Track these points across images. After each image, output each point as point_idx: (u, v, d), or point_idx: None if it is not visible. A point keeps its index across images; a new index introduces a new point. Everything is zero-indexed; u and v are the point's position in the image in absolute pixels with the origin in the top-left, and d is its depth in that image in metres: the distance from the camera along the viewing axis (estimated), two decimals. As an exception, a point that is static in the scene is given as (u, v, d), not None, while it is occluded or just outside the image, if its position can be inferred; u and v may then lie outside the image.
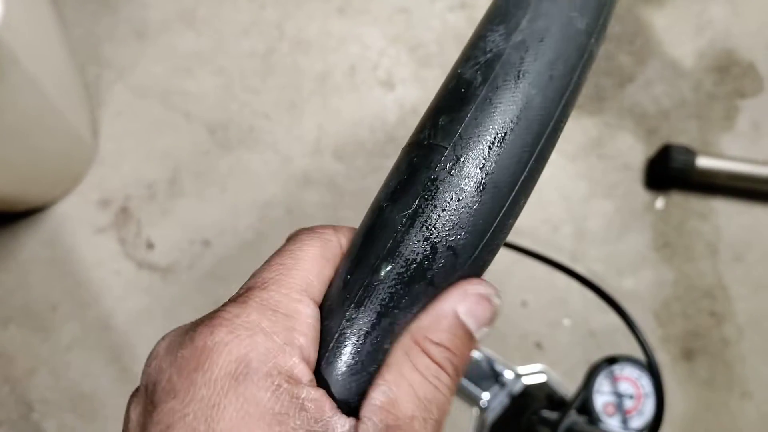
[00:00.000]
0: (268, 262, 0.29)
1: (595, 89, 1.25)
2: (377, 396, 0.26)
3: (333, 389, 0.27)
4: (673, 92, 1.26)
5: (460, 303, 0.28)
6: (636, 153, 1.23)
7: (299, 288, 0.28)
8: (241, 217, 1.17)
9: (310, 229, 0.31)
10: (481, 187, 0.28)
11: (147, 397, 0.26)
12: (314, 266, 0.29)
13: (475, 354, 1.00)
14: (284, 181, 1.18)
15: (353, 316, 0.27)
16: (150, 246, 1.15)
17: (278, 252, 0.30)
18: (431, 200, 0.27)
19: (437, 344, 0.27)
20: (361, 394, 0.27)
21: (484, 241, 0.28)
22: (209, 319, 0.27)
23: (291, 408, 0.24)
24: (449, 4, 1.28)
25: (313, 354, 0.27)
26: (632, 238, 1.19)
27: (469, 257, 0.28)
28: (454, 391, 0.28)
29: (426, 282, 0.27)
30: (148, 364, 0.27)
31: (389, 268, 0.27)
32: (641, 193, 1.21)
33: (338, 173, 1.19)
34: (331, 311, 0.28)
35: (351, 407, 0.27)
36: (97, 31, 1.24)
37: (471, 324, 0.28)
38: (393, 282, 0.27)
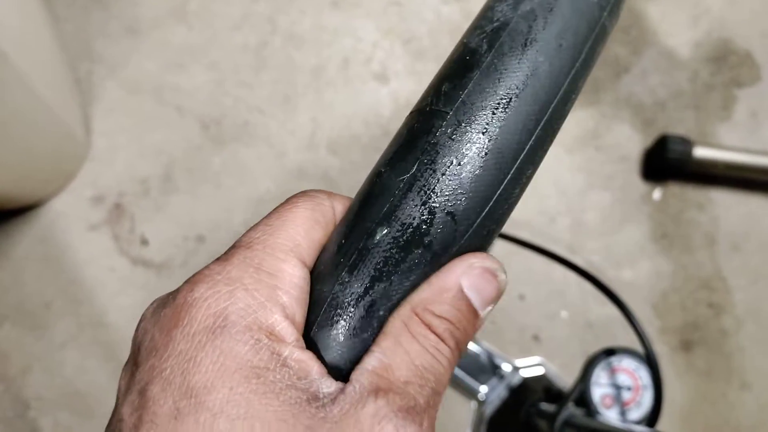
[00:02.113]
0: (258, 222, 0.29)
1: (591, 80, 1.24)
2: (370, 361, 0.26)
3: (324, 354, 0.26)
4: (669, 82, 1.25)
5: (464, 276, 0.27)
6: (633, 144, 1.22)
7: (285, 247, 0.27)
8: (235, 212, 1.16)
9: (303, 192, 0.31)
10: (483, 153, 0.27)
11: (132, 360, 0.26)
12: (302, 227, 0.28)
13: (473, 347, 1.00)
14: (278, 175, 1.18)
15: (346, 280, 0.27)
16: (144, 242, 1.14)
17: (269, 213, 0.29)
18: (430, 164, 0.27)
19: (438, 316, 0.27)
20: (354, 361, 0.26)
21: (486, 209, 0.27)
22: (192, 277, 0.27)
23: (271, 363, 0.24)
24: (443, -4, 1.28)
25: (299, 313, 0.26)
26: (630, 230, 1.18)
27: (471, 225, 0.27)
28: (453, 365, 0.27)
29: (423, 247, 0.27)
30: (136, 329, 0.27)
31: (385, 231, 0.27)
32: (638, 184, 1.20)
33: (333, 167, 1.18)
34: (323, 276, 0.27)
35: (342, 374, 0.26)
36: (89, 27, 1.23)
37: (475, 299, 0.27)
38: (388, 246, 0.26)
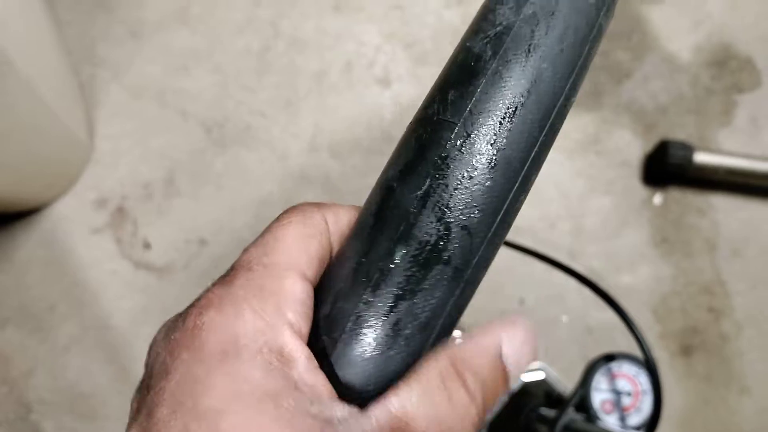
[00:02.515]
0: (252, 242, 0.29)
1: (592, 85, 1.24)
2: (394, 402, 0.25)
3: (343, 372, 0.26)
4: (670, 88, 1.25)
5: (505, 343, 0.27)
6: (633, 149, 1.22)
7: (284, 264, 0.27)
8: (237, 215, 1.16)
9: (292, 207, 0.31)
10: (492, 164, 0.27)
11: (144, 383, 0.26)
12: (296, 242, 0.28)
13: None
14: (281, 179, 1.18)
15: (370, 299, 0.27)
16: (146, 246, 1.15)
17: (261, 233, 0.29)
18: (442, 179, 0.27)
19: (475, 372, 0.27)
20: (376, 381, 0.26)
21: (498, 219, 0.28)
22: (198, 301, 0.27)
23: (284, 387, 0.24)
24: (445, 1, 1.28)
25: (304, 328, 0.27)
26: (630, 235, 1.19)
27: (485, 236, 0.27)
28: (476, 427, 0.27)
29: (443, 263, 0.27)
30: (148, 354, 0.27)
31: (404, 251, 0.27)
32: (639, 189, 1.21)
33: (335, 171, 1.19)
34: (345, 293, 0.27)
35: (358, 395, 0.26)
36: (92, 31, 1.23)
37: (511, 365, 0.28)
38: (409, 265, 0.27)
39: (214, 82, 1.22)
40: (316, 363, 0.26)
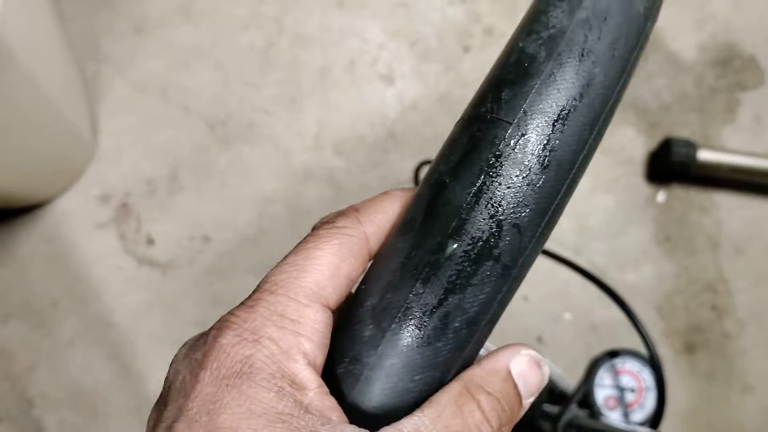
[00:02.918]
0: (283, 259, 0.29)
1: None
2: (407, 425, 0.26)
3: (393, 361, 0.27)
4: (674, 86, 1.25)
5: (513, 362, 0.28)
6: (637, 147, 1.22)
7: (309, 292, 0.28)
8: (241, 212, 1.16)
9: (331, 222, 0.30)
10: (545, 165, 0.27)
11: (162, 399, 0.27)
12: (328, 267, 0.28)
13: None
14: (284, 176, 1.18)
15: (420, 291, 0.27)
16: (150, 241, 1.15)
17: (294, 249, 0.29)
18: (496, 177, 0.27)
19: (488, 393, 0.27)
20: (419, 376, 0.27)
21: (546, 219, 0.28)
22: (219, 323, 0.27)
23: (295, 410, 0.25)
24: (449, -2, 1.28)
25: (320, 359, 0.27)
26: (634, 232, 1.18)
27: (533, 235, 0.28)
28: None
29: (494, 260, 0.27)
30: (169, 370, 0.28)
31: (456, 246, 0.27)
32: (643, 187, 1.21)
33: (338, 168, 1.19)
34: (395, 285, 0.28)
35: (372, 418, 0.27)
36: (95, 26, 1.23)
37: (522, 386, 0.28)
38: (460, 260, 0.27)
39: (217, 78, 1.22)
40: (327, 390, 0.27)
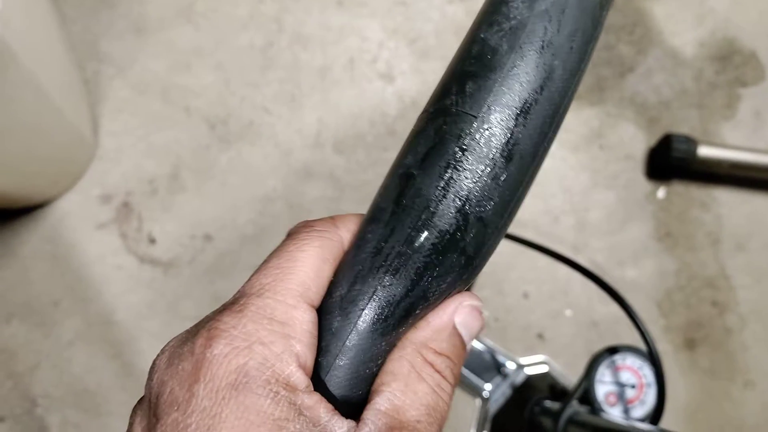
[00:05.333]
0: (265, 263, 0.29)
1: (595, 79, 1.24)
2: (382, 402, 0.27)
3: (359, 351, 0.28)
4: (673, 81, 1.25)
5: (456, 314, 0.29)
6: (637, 143, 1.22)
7: (295, 293, 0.28)
8: (241, 211, 1.17)
9: (309, 226, 0.31)
10: (508, 158, 0.28)
11: (150, 410, 0.27)
12: (312, 268, 0.29)
13: (478, 345, 1.00)
14: (285, 174, 1.18)
15: (388, 283, 0.28)
16: (151, 241, 1.15)
17: (276, 252, 0.30)
18: (463, 171, 0.28)
19: (440, 354, 0.29)
20: (380, 361, 0.28)
21: (508, 212, 0.29)
22: (207, 330, 0.27)
23: (290, 414, 0.25)
24: (448, -4, 1.28)
25: (309, 360, 0.27)
26: (634, 228, 1.19)
27: (496, 228, 0.29)
28: (452, 399, 0.29)
29: (459, 252, 0.28)
30: (150, 378, 0.28)
31: (424, 237, 0.28)
32: (643, 183, 1.21)
33: (338, 166, 1.19)
34: (363, 276, 0.28)
35: (355, 405, 0.28)
36: (96, 27, 1.23)
37: (465, 334, 0.30)
38: (428, 252, 0.28)
39: (217, 77, 1.22)
40: (312, 387, 0.27)
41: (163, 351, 0.29)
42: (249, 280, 0.29)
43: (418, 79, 1.23)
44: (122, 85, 1.21)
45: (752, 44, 1.28)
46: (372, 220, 0.30)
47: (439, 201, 0.28)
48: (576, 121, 1.23)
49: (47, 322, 1.12)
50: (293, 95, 1.22)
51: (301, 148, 1.20)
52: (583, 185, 1.20)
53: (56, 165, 1.12)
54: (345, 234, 0.31)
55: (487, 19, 0.30)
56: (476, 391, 0.95)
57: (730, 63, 1.27)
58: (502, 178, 0.28)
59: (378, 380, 0.28)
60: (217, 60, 1.23)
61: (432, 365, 0.28)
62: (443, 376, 0.28)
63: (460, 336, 0.30)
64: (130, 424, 0.28)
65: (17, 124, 0.94)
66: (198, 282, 1.14)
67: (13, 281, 1.13)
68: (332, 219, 0.31)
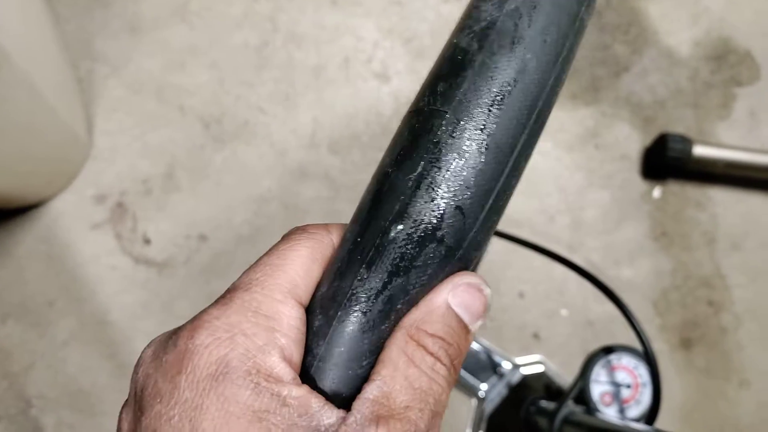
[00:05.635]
0: (257, 261, 0.29)
1: (590, 79, 1.24)
2: (370, 390, 0.26)
3: (341, 350, 0.27)
4: (669, 81, 1.25)
5: (450, 294, 0.28)
6: (632, 142, 1.22)
7: (283, 289, 0.28)
8: (236, 211, 1.16)
9: (302, 229, 0.31)
10: (483, 148, 0.28)
11: (136, 404, 0.27)
12: (302, 266, 0.29)
13: (473, 345, 1.00)
14: (280, 174, 1.18)
15: (365, 276, 0.28)
16: (146, 241, 1.15)
17: (268, 251, 0.30)
18: (435, 162, 0.28)
19: (431, 335, 0.27)
20: (367, 360, 0.28)
21: (490, 201, 0.29)
22: (191, 322, 0.27)
23: (272, 404, 0.25)
24: (444, -5, 1.28)
25: (296, 354, 0.27)
26: (629, 228, 1.19)
27: (477, 217, 0.28)
28: (452, 383, 0.28)
29: (437, 241, 0.28)
30: (135, 372, 0.28)
31: (399, 228, 0.28)
32: (638, 183, 1.21)
33: (334, 166, 1.19)
34: (342, 272, 0.28)
35: (345, 396, 0.27)
36: (90, 26, 1.23)
37: (464, 315, 0.28)
38: (404, 242, 0.28)
39: (212, 77, 1.22)
40: (300, 381, 0.27)
41: (149, 345, 0.29)
42: (241, 275, 0.29)
43: (414, 79, 1.23)
44: (116, 84, 1.21)
45: (747, 44, 1.28)
46: (352, 220, 0.30)
47: (413, 192, 0.28)
48: (571, 120, 1.23)
49: (42, 322, 1.12)
50: (288, 94, 1.22)
51: (296, 148, 1.19)
52: (579, 185, 1.20)
53: (50, 165, 1.12)
54: (336, 238, 0.31)
55: (460, 25, 0.31)
56: (472, 391, 0.95)
57: (725, 62, 1.27)
58: (479, 168, 0.28)
59: (373, 369, 0.27)
60: (211, 59, 1.23)
61: (424, 348, 0.27)
62: (437, 358, 0.27)
63: (456, 316, 0.28)
64: (119, 421, 0.28)
65: (10, 124, 0.94)
66: (193, 282, 1.14)
67: (7, 281, 1.13)
68: (326, 225, 0.32)
